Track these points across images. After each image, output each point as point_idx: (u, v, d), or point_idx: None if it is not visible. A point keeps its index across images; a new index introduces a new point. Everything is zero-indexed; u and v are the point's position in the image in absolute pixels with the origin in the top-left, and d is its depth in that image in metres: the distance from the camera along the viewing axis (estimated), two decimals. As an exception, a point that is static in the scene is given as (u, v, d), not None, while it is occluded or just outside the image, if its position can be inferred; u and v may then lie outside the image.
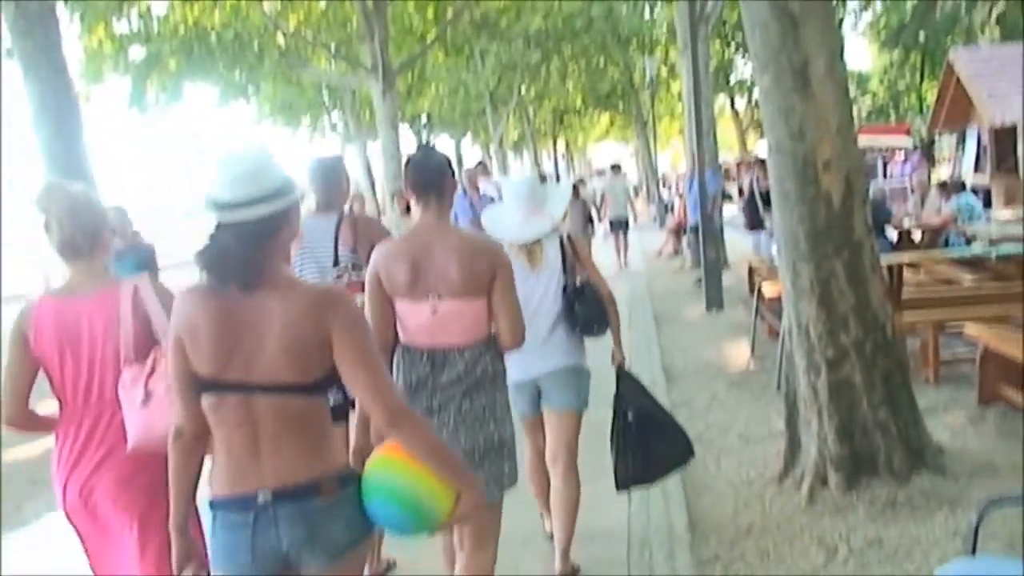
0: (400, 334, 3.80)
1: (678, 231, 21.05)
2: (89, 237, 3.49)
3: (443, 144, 50.46)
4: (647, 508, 5.79)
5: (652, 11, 31.63)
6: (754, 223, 15.00)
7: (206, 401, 2.69)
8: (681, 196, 21.86)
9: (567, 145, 57.40)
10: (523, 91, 36.19)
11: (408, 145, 36.37)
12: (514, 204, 4.68)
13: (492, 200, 10.83)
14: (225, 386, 2.65)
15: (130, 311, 3.45)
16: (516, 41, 27.26)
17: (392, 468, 2.73)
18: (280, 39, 18.82)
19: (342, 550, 2.71)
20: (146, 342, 3.48)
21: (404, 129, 35.44)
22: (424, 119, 39.64)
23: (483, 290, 3.68)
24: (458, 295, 3.66)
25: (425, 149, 3.90)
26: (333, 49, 20.52)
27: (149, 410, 3.38)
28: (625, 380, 4.91)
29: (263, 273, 2.64)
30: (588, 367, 4.87)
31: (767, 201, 13.48)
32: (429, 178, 3.77)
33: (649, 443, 4.80)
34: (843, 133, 5.59)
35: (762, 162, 15.01)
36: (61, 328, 3.43)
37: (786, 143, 5.62)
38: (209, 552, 2.79)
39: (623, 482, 4.92)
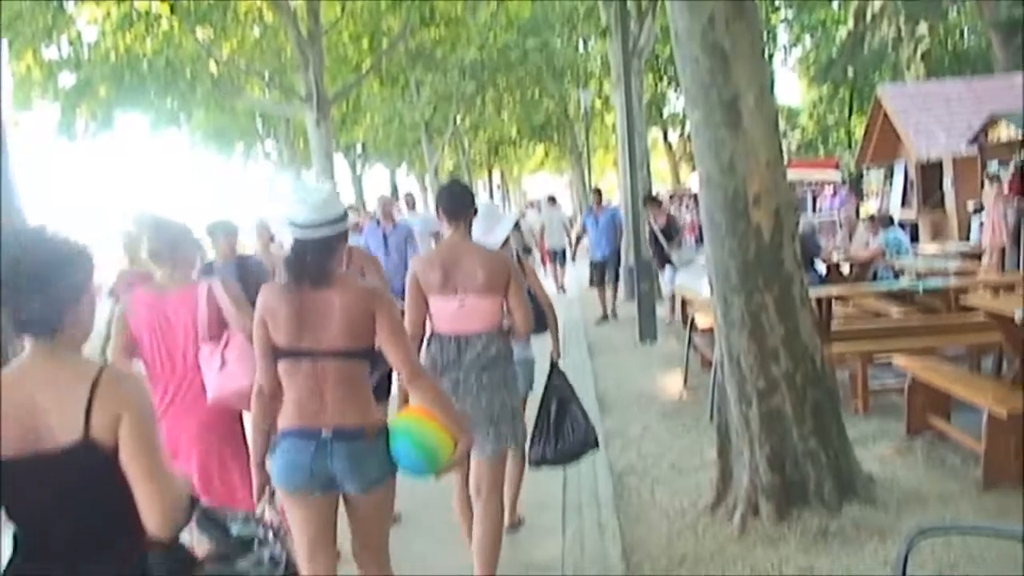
0: (431, 325, 4.88)
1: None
2: (168, 248, 4.81)
3: (378, 174, 50.42)
4: (581, 539, 5.81)
5: (586, 44, 31.95)
6: (661, 260, 14.82)
7: (282, 365, 3.71)
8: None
9: (502, 176, 57.58)
10: (458, 121, 36.28)
11: (342, 174, 36.49)
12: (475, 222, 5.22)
13: (410, 231, 10.84)
14: (299, 353, 3.67)
15: (206, 303, 4.75)
16: (451, 72, 27.37)
17: (413, 421, 3.75)
18: (213, 67, 18.70)
19: (372, 483, 3.68)
20: (218, 325, 4.76)
21: (339, 158, 35.36)
22: (359, 148, 39.63)
23: (499, 290, 4.80)
24: (480, 293, 4.76)
25: (455, 184, 5.20)
26: (267, 77, 20.44)
27: (224, 373, 4.63)
28: (556, 373, 5.63)
29: (328, 276, 3.69)
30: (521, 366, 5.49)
31: (668, 237, 14.32)
32: (460, 207, 4.90)
33: (562, 431, 5.48)
34: (773, 168, 5.69)
35: (654, 199, 15.47)
36: (151, 314, 4.75)
37: (717, 177, 5.70)
38: (272, 470, 3.72)
39: (535, 461, 5.54)
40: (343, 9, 19.80)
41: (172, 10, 17.19)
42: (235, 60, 19.57)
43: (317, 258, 3.68)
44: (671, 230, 14.61)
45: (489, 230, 5.53)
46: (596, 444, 5.60)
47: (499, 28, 26.13)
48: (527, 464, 5.67)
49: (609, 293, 16.04)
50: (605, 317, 15.87)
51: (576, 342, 13.56)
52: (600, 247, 15.90)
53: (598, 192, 17.30)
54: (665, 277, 15.18)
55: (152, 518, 2.51)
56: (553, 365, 5.68)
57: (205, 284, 4.85)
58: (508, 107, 35.59)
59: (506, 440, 4.82)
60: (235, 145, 37.31)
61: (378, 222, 10.83)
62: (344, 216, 3.79)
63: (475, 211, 5.00)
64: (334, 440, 3.61)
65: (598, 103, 34.11)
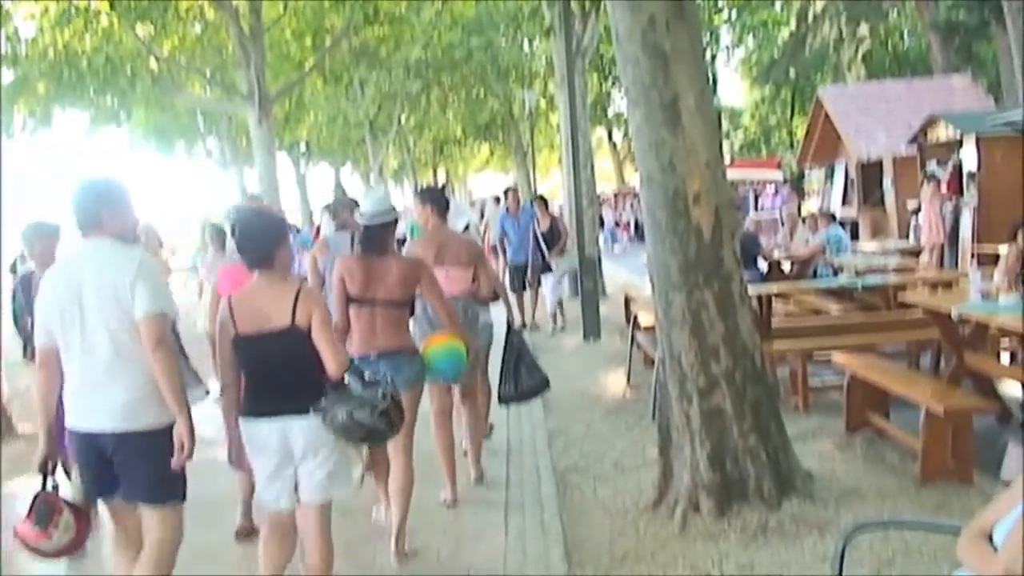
0: None
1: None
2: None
3: (322, 172, 50.11)
4: (523, 539, 5.80)
5: (531, 44, 31.97)
6: (540, 267, 14.17)
7: (352, 309, 5.69)
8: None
9: (448, 175, 57.49)
10: (403, 120, 36.18)
11: (285, 172, 36.20)
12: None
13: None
14: (364, 300, 5.65)
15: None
16: (396, 70, 27.26)
17: (448, 340, 5.79)
18: (153, 64, 18.46)
19: (411, 382, 5.57)
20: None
21: (282, 156, 35.09)
22: (303, 147, 39.32)
23: (471, 264, 6.85)
24: (460, 266, 6.78)
25: (435, 188, 7.47)
26: (208, 75, 20.22)
27: None
28: (513, 333, 6.99)
29: (387, 248, 5.74)
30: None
31: (549, 244, 13.95)
32: (443, 204, 6.96)
33: (520, 376, 6.85)
34: (712, 167, 5.73)
35: (541, 198, 14.85)
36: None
37: (657, 176, 5.74)
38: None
39: (502, 398, 6.97)
40: (285, 6, 19.65)
41: (111, 6, 16.95)
42: (176, 57, 19.34)
43: (380, 236, 5.73)
44: (554, 235, 14.09)
45: (453, 221, 7.61)
46: (548, 385, 6.98)
47: (443, 27, 26.04)
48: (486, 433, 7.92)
49: (529, 299, 14.71)
50: (524, 326, 13.77)
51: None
52: (521, 250, 14.37)
53: (542, 199, 15.11)
54: (546, 286, 14.40)
55: (330, 367, 4.33)
56: (510, 327, 7.06)
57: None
58: (453, 106, 35.56)
59: (473, 369, 6.63)
60: (176, 143, 36.83)
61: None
62: (393, 210, 5.85)
63: (448, 207, 7.08)
64: (380, 358, 5.56)
65: (543, 103, 34.15)
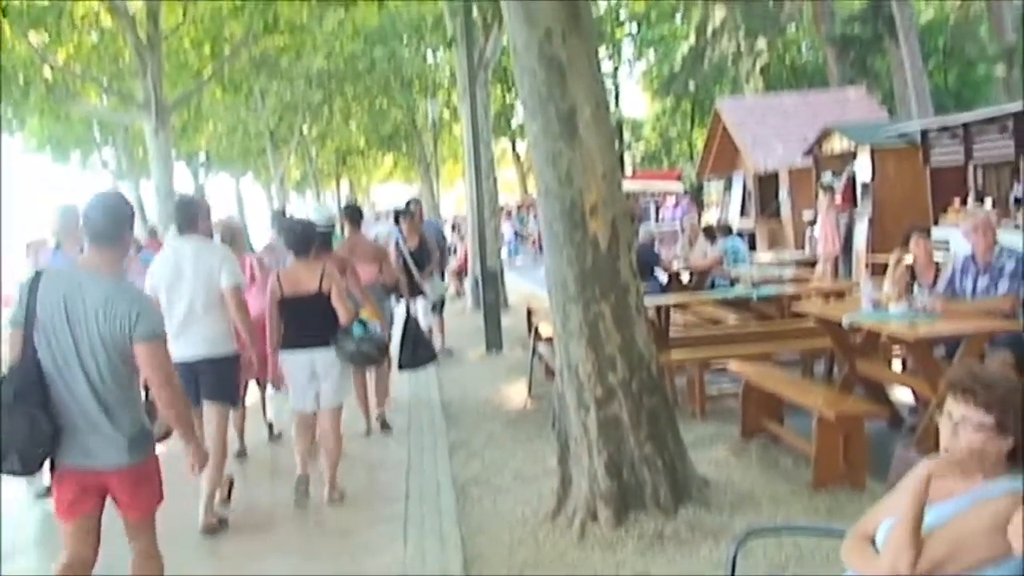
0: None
1: (459, 273, 21.20)
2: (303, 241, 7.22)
3: (223, 183, 49.43)
4: (423, 551, 5.78)
5: (435, 55, 31.97)
6: (411, 289, 11.84)
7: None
8: (463, 239, 22.08)
9: (351, 185, 57.10)
10: (305, 130, 35.84)
11: (184, 183, 35.59)
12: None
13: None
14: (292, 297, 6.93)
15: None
16: (297, 80, 26.98)
17: (367, 313, 7.41)
18: (47, 72, 17.99)
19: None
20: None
21: (180, 167, 34.51)
22: (202, 157, 38.71)
23: (376, 261, 9.29)
24: (367, 262, 8.95)
25: (355, 204, 10.33)
26: (105, 84, 19.78)
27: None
28: (410, 318, 9.41)
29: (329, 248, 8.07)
30: None
31: (419, 264, 12.05)
32: (356, 215, 9.72)
33: (417, 349, 9.16)
34: (609, 179, 5.79)
35: (407, 212, 12.79)
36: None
37: (555, 188, 5.78)
38: None
39: (403, 365, 9.25)
40: (184, 14, 19.32)
41: (4, 13, 16.47)
42: (71, 66, 18.88)
43: (326, 239, 8.01)
44: (423, 255, 12.34)
45: (367, 230, 10.74)
46: (436, 358, 9.46)
47: (346, 36, 25.80)
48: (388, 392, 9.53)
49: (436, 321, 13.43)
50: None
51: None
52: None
53: (408, 213, 13.02)
54: (417, 310, 12.03)
55: (342, 316, 6.77)
56: (408, 312, 9.67)
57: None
58: (356, 116, 35.29)
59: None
60: (71, 153, 35.96)
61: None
62: (333, 224, 8.61)
63: (362, 218, 10.05)
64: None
65: (446, 113, 34.16)
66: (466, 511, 6.48)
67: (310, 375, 6.88)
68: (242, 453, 8.31)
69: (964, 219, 8.86)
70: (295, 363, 6.89)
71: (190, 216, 6.55)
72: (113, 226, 4.19)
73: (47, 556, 5.74)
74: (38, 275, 4.17)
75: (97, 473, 4.12)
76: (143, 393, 4.46)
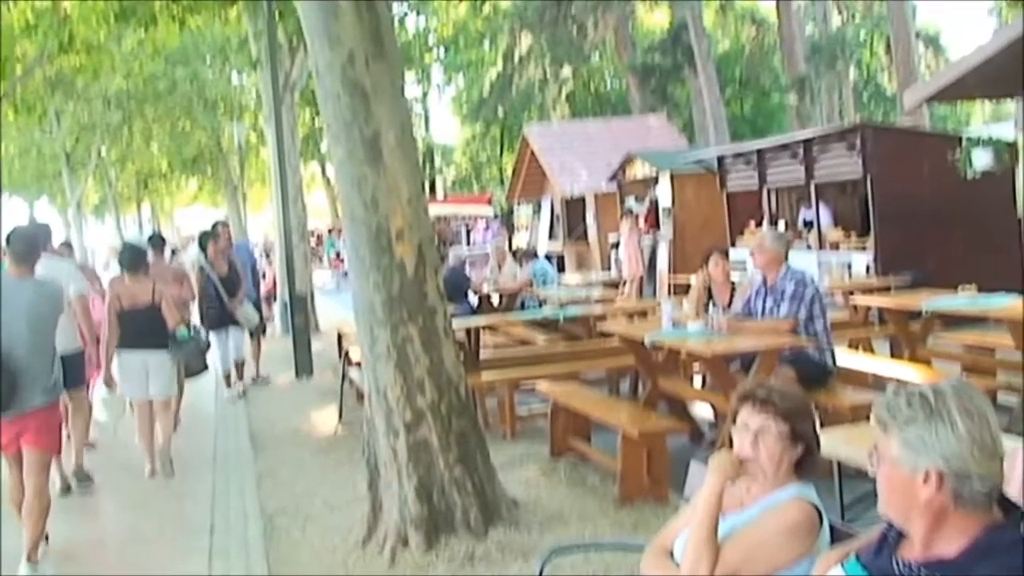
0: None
1: (268, 298, 20.80)
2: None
3: (16, 207, 47.17)
4: (229, 585, 5.64)
5: (240, 76, 31.38)
6: (221, 320, 11.48)
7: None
8: (271, 264, 21.71)
9: (153, 210, 55.40)
10: (104, 153, 34.58)
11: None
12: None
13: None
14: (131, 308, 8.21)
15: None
16: (95, 101, 26.06)
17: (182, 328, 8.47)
18: None
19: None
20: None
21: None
22: (-8, 180, 36.85)
23: (178, 280, 10.26)
24: (171, 282, 9.75)
25: (160, 234, 11.83)
26: None
27: None
28: (198, 331, 9.38)
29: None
30: None
31: (230, 291, 11.47)
32: (161, 240, 11.26)
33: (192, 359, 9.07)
34: (415, 204, 5.82)
35: (212, 233, 11.99)
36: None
37: (360, 213, 5.76)
38: None
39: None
40: (-28, 32, 18.40)
41: None
42: None
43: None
44: (233, 281, 11.65)
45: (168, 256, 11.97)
46: (207, 367, 9.22)
47: (146, 57, 25.06)
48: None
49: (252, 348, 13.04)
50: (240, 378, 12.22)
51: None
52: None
53: (225, 225, 13.02)
54: (228, 343, 11.72)
55: (170, 323, 8.15)
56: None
57: None
58: (158, 138, 34.28)
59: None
60: None
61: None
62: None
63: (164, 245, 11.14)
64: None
65: (253, 136, 33.55)
66: (274, 542, 6.35)
67: (144, 372, 8.24)
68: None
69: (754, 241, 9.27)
70: (132, 362, 8.20)
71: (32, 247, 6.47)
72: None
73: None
74: None
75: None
76: None
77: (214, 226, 12.52)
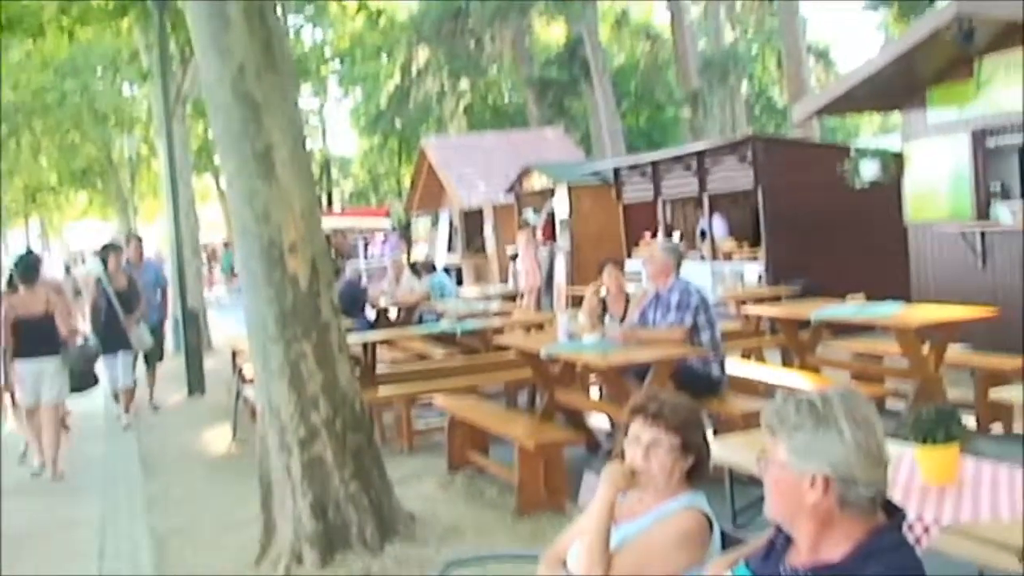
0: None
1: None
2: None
3: None
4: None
5: (131, 88, 30.74)
6: (111, 340, 10.60)
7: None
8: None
9: (42, 224, 53.93)
10: (-12, 167, 33.52)
11: None
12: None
13: None
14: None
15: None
16: (-20, 114, 25.27)
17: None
18: None
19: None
20: None
21: None
22: None
23: (57, 293, 9.72)
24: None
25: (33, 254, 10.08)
26: None
27: None
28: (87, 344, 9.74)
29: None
30: None
31: (126, 307, 10.90)
32: (37, 263, 9.63)
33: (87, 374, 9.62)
34: (307, 217, 5.76)
35: (113, 246, 11.83)
36: None
37: (252, 226, 5.68)
38: None
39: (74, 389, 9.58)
40: None
41: None
42: None
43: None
44: (131, 297, 11.05)
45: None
46: (96, 381, 9.85)
47: (33, 68, 24.43)
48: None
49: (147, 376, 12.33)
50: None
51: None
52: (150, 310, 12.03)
53: (138, 239, 13.48)
54: (116, 366, 10.88)
55: (64, 331, 8.81)
56: (86, 339, 9.87)
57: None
58: (46, 151, 33.39)
59: None
60: None
61: None
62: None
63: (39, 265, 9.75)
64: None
65: (144, 149, 32.87)
66: (166, 566, 6.21)
67: (38, 379, 8.69)
68: None
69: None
70: (28, 369, 8.67)
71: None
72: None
73: None
74: None
75: None
76: None
77: (127, 238, 12.39)
